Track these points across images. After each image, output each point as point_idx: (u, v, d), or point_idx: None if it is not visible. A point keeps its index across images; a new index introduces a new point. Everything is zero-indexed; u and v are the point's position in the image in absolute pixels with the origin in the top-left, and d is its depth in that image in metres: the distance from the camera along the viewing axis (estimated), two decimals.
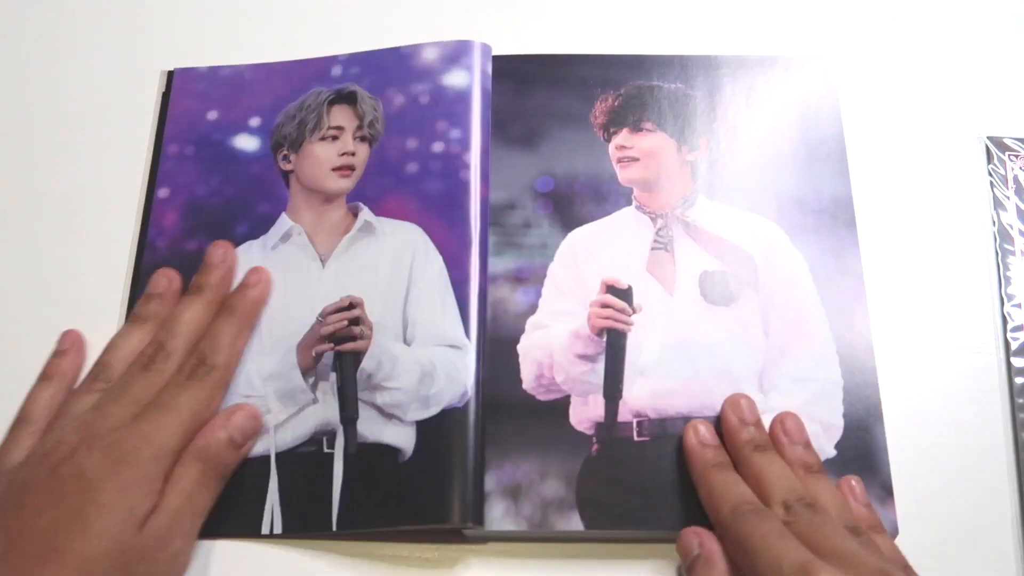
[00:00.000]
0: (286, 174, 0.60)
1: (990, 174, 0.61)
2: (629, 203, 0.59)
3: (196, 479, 0.49)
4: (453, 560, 0.51)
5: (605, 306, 0.56)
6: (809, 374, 0.54)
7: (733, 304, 0.56)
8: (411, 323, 0.55)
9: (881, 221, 0.59)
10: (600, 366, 0.55)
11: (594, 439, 0.53)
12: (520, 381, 0.55)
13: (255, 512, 0.52)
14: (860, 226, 0.58)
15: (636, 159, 0.60)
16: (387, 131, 0.60)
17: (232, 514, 0.51)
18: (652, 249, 0.58)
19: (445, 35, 0.63)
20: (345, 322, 0.55)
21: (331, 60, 0.63)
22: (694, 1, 0.68)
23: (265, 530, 0.51)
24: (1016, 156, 0.61)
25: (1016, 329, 0.57)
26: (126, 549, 0.45)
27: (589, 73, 0.63)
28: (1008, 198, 0.60)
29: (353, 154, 0.60)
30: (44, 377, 0.54)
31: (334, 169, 0.59)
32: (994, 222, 0.60)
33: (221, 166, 0.61)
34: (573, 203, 0.59)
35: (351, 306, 0.55)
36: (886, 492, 0.52)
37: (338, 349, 0.54)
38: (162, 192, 0.61)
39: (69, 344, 0.56)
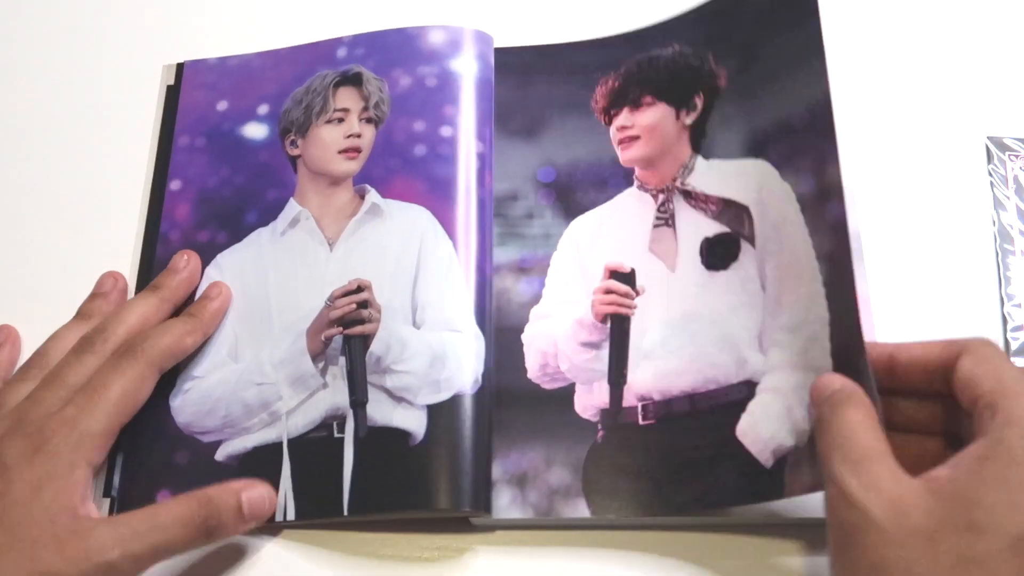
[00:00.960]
0: (294, 159, 0.60)
1: (990, 174, 0.61)
2: (631, 184, 0.59)
3: (182, 520, 0.46)
4: (461, 549, 0.51)
5: (608, 292, 0.56)
6: (801, 317, 0.51)
7: (733, 264, 0.55)
8: (420, 306, 0.55)
9: (881, 221, 0.60)
10: (604, 353, 0.55)
11: (599, 426, 0.53)
12: (525, 370, 0.55)
13: None
14: (860, 225, 0.58)
15: (637, 137, 0.59)
16: (393, 112, 0.60)
17: None
18: (654, 227, 0.57)
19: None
20: (354, 305, 0.54)
21: (336, 42, 0.63)
22: None
23: (279, 517, 0.51)
24: (1016, 156, 0.61)
25: (1016, 329, 0.57)
26: (37, 541, 0.44)
27: (589, 58, 0.62)
28: (1008, 198, 0.60)
29: (359, 136, 0.59)
30: None
31: (340, 152, 0.59)
32: (994, 222, 0.60)
33: (231, 156, 0.60)
34: (575, 192, 0.59)
35: (359, 289, 0.55)
36: None
37: (347, 333, 0.54)
38: (174, 184, 0.60)
39: (3, 338, 0.56)
